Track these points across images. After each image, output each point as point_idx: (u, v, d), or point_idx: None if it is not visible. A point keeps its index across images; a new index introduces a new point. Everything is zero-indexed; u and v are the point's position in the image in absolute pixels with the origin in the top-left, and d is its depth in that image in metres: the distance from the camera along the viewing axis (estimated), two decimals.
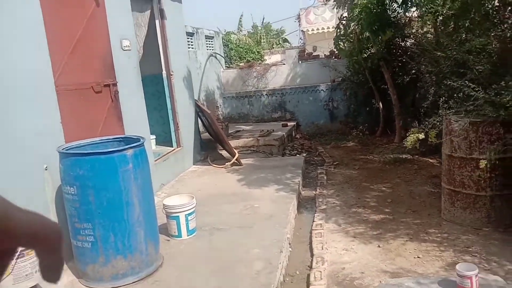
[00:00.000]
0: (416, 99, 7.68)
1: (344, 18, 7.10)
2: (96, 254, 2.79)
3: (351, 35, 7.15)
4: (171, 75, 5.70)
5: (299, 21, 15.30)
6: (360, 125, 8.63)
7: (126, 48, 4.36)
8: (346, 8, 7.01)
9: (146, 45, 5.29)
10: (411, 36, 7.63)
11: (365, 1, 6.70)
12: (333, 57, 9.64)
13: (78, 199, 2.74)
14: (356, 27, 7.02)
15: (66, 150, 2.90)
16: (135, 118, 4.49)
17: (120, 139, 3.29)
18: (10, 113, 2.83)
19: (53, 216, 3.12)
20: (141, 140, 2.99)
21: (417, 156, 6.17)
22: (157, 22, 5.46)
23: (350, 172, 5.85)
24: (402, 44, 7.80)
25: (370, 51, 7.65)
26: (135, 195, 2.84)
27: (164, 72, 5.66)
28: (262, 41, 15.05)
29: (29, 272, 2.43)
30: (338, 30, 7.15)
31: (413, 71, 7.31)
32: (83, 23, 3.71)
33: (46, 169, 3.11)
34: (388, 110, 8.00)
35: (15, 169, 2.84)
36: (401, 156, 6.22)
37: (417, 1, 4.43)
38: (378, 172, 5.69)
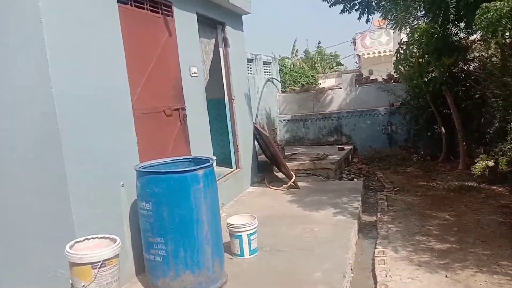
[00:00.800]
0: (481, 124, 7.36)
1: (404, 43, 7.04)
2: (167, 268, 2.94)
3: (411, 59, 7.06)
4: (233, 99, 5.94)
5: (355, 45, 15.32)
6: (421, 150, 8.39)
7: (194, 75, 4.64)
8: (405, 31, 6.96)
9: (210, 71, 5.57)
10: (475, 59, 7.40)
11: (425, 25, 6.62)
12: (392, 81, 9.52)
13: (153, 214, 2.92)
14: (417, 51, 6.93)
15: (143, 168, 3.12)
16: (200, 140, 4.72)
17: (190, 159, 3.48)
18: (95, 132, 3.11)
19: (126, 229, 3.34)
20: (211, 160, 3.15)
21: (484, 184, 5.89)
22: (220, 50, 5.75)
23: (412, 198, 5.69)
24: (465, 68, 7.58)
25: (431, 75, 7.48)
26: (204, 213, 2.98)
27: (226, 96, 5.91)
28: (316, 65, 15.20)
29: (109, 281, 2.62)
30: (398, 55, 7.10)
31: (478, 96, 7.05)
32: (157, 52, 4.02)
33: (122, 186, 3.35)
34: (451, 135, 7.72)
35: (95, 184, 3.09)
36: (466, 183, 5.97)
37: (482, 25, 4.31)
38: (442, 200, 5.48)
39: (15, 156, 2.95)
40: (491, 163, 3.66)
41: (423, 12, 6.37)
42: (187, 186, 2.91)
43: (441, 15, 5.64)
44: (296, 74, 11.59)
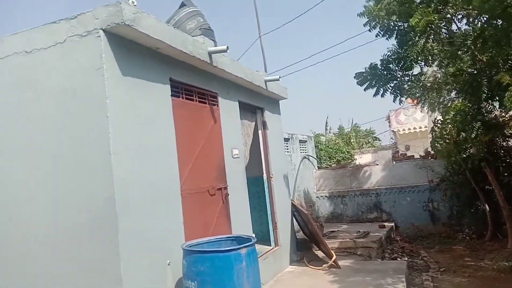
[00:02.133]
0: None
1: (439, 121, 7.18)
2: None
3: (448, 137, 7.14)
4: (271, 177, 6.16)
5: (389, 122, 15.56)
6: (465, 228, 8.08)
7: (235, 156, 4.95)
8: (439, 111, 7.12)
9: (250, 151, 5.90)
10: None
11: (459, 104, 6.77)
12: (429, 158, 9.50)
13: None
14: (452, 129, 7.02)
15: (189, 247, 3.29)
16: (241, 218, 4.89)
17: (232, 238, 3.63)
18: (147, 214, 3.35)
19: None
20: (253, 240, 3.29)
21: None
22: (260, 132, 6.13)
23: (459, 280, 5.44)
24: (504, 144, 7.53)
25: (469, 151, 7.47)
26: None
27: (264, 174, 6.15)
28: (351, 141, 15.41)
29: None
30: (434, 133, 7.21)
31: None
32: (204, 137, 4.38)
33: (168, 265, 3.50)
34: (496, 212, 7.45)
35: (145, 263, 3.26)
36: None
37: None
38: (493, 282, 5.21)
39: (73, 233, 3.19)
40: None
41: (455, 92, 6.58)
42: (230, 264, 3.04)
43: (474, 94, 5.82)
44: (331, 150, 11.79)
